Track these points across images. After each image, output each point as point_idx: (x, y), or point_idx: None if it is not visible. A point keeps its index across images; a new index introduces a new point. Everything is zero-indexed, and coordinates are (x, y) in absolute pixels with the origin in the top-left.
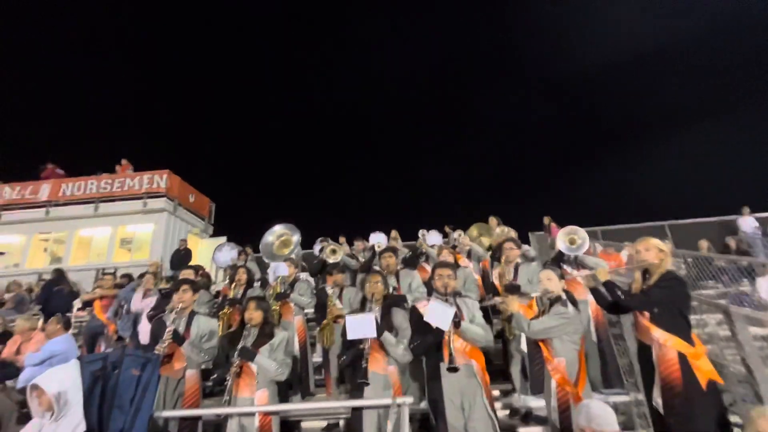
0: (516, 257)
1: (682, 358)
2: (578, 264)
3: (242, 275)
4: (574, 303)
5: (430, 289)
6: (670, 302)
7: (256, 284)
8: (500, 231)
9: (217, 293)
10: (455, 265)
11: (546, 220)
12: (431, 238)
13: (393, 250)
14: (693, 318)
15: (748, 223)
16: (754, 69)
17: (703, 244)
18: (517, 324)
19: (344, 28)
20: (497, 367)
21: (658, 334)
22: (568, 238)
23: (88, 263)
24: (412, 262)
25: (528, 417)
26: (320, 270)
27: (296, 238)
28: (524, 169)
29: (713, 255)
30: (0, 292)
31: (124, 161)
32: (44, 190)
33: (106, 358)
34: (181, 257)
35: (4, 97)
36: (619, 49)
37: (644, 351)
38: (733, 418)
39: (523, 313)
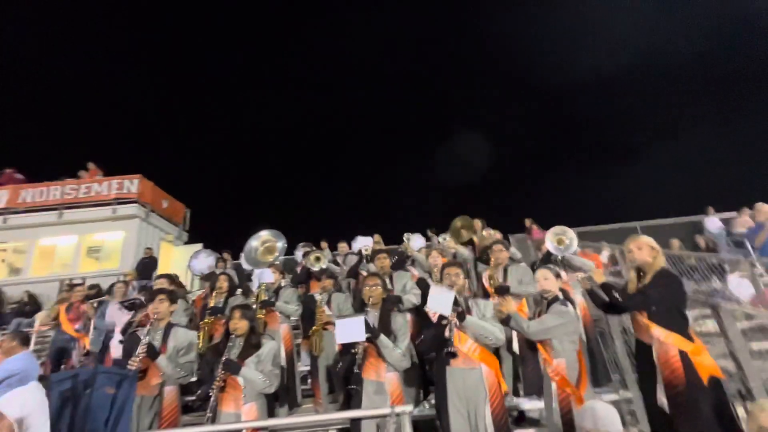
0: (505, 259)
1: (683, 355)
2: (565, 265)
3: (223, 283)
4: (572, 302)
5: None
6: (668, 300)
7: (238, 292)
8: (486, 234)
9: (193, 302)
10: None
11: (527, 222)
12: (414, 242)
13: (386, 251)
14: None
15: (713, 222)
16: (726, 77)
17: (675, 242)
18: (515, 325)
19: (319, 30)
20: None
21: (658, 331)
22: (557, 238)
23: (50, 274)
24: (399, 265)
25: (521, 419)
26: (305, 279)
27: (281, 245)
28: (502, 172)
29: (688, 253)
30: None
31: (91, 165)
32: (1, 196)
33: (77, 376)
34: (146, 265)
35: None
36: (597, 55)
37: (643, 350)
38: (740, 411)
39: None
